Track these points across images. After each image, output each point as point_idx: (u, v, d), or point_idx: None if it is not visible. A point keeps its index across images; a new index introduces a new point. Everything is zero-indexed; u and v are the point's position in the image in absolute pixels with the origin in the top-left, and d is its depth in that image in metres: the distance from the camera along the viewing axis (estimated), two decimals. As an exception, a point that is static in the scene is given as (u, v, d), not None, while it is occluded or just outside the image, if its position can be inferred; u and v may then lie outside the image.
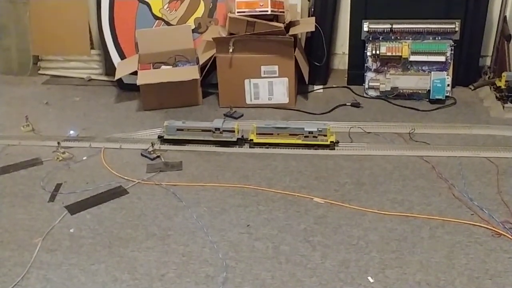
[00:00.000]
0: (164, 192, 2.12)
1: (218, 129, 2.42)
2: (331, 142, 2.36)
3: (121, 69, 3.01)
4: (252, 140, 2.42)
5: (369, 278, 1.62)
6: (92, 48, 3.35)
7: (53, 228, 1.92)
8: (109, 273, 1.69)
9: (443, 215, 1.90)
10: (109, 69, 3.26)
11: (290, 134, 2.39)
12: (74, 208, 2.03)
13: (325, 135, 2.36)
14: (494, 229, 1.81)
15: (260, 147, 2.41)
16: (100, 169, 2.31)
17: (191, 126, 2.46)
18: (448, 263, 1.67)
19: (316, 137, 2.36)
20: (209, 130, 2.43)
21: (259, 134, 2.41)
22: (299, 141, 2.38)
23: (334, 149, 2.36)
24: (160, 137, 2.49)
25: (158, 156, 2.37)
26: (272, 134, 2.40)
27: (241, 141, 2.43)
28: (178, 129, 2.45)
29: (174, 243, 1.82)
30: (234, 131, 2.42)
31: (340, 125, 2.58)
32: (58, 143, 2.43)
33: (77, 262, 1.74)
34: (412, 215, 1.91)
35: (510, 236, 1.77)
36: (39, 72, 3.51)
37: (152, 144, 2.39)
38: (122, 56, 3.17)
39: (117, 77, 2.99)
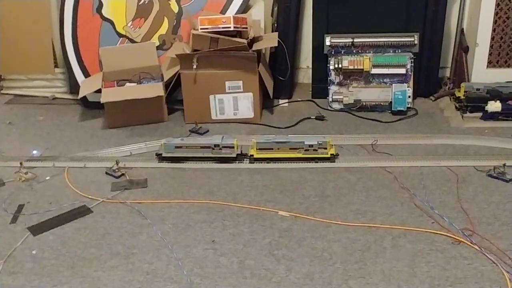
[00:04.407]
0: (129, 210, 2.11)
1: (218, 145, 2.41)
2: (331, 154, 2.38)
3: (85, 87, 2.98)
4: (252, 155, 2.41)
5: (333, 289, 1.64)
6: (56, 66, 3.32)
7: (15, 250, 1.88)
8: (72, 294, 1.67)
9: (405, 224, 1.94)
10: (73, 87, 3.23)
11: (290, 148, 2.39)
12: (37, 229, 2.00)
13: (325, 148, 2.38)
14: (454, 236, 1.85)
15: (260, 162, 2.40)
16: (64, 188, 2.28)
17: (190, 143, 2.45)
18: (410, 271, 1.70)
19: (317, 150, 2.37)
20: (208, 147, 2.42)
21: (259, 149, 2.41)
22: (300, 155, 2.38)
23: (334, 161, 2.37)
24: (158, 155, 2.46)
25: (123, 174, 2.36)
26: (272, 149, 2.41)
27: (240, 157, 2.43)
28: (176, 147, 2.44)
29: (139, 261, 1.80)
30: (233, 147, 2.41)
31: (304, 138, 2.60)
32: (21, 163, 2.39)
33: (39, 284, 1.71)
34: (375, 226, 1.94)
35: (469, 243, 1.81)
36: (2, 92, 3.46)
37: (117, 162, 2.38)
38: (86, 74, 3.14)
39: (81, 95, 2.97)
